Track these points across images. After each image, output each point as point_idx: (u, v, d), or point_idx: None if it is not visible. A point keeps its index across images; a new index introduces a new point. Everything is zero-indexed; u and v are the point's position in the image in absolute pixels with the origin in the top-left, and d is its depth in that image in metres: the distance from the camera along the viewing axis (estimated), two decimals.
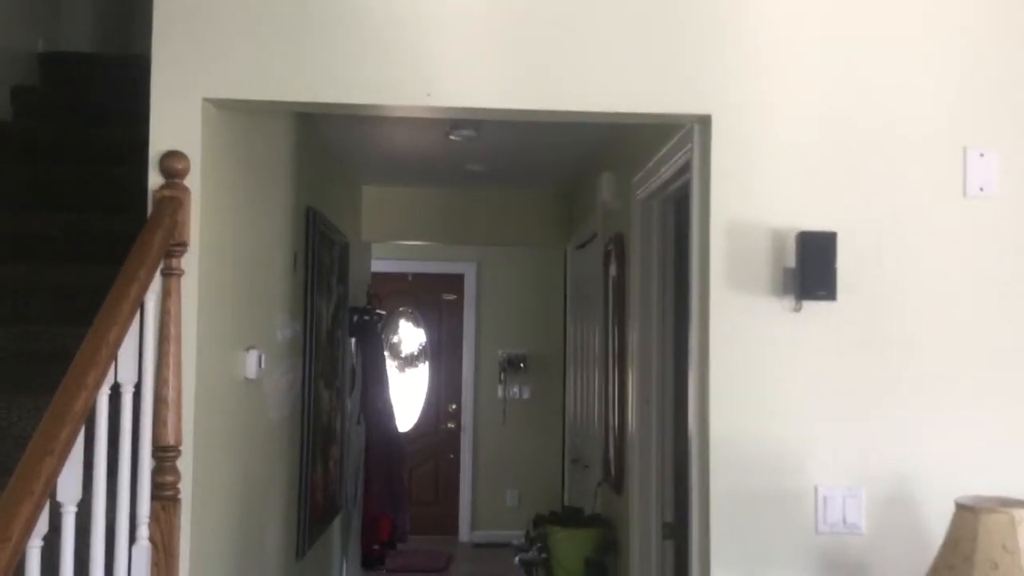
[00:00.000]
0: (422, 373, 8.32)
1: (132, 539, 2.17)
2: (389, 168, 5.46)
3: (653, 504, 3.44)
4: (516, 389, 8.07)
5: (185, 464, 2.33)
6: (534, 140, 4.55)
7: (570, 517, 4.22)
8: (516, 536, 5.26)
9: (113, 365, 2.01)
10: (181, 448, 2.31)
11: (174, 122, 2.37)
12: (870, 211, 2.40)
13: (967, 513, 1.95)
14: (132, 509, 2.15)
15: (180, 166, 2.33)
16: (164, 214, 2.28)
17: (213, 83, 2.39)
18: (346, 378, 5.25)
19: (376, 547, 5.67)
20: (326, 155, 4.68)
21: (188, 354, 2.34)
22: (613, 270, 4.06)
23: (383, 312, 6.23)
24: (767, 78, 2.42)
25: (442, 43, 2.41)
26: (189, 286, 2.35)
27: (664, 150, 2.98)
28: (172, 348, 2.29)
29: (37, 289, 3.13)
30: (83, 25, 4.74)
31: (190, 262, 2.35)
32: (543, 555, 4.09)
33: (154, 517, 2.25)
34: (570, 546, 3.97)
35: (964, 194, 2.41)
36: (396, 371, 8.23)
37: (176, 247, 2.31)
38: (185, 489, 2.32)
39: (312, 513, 4.09)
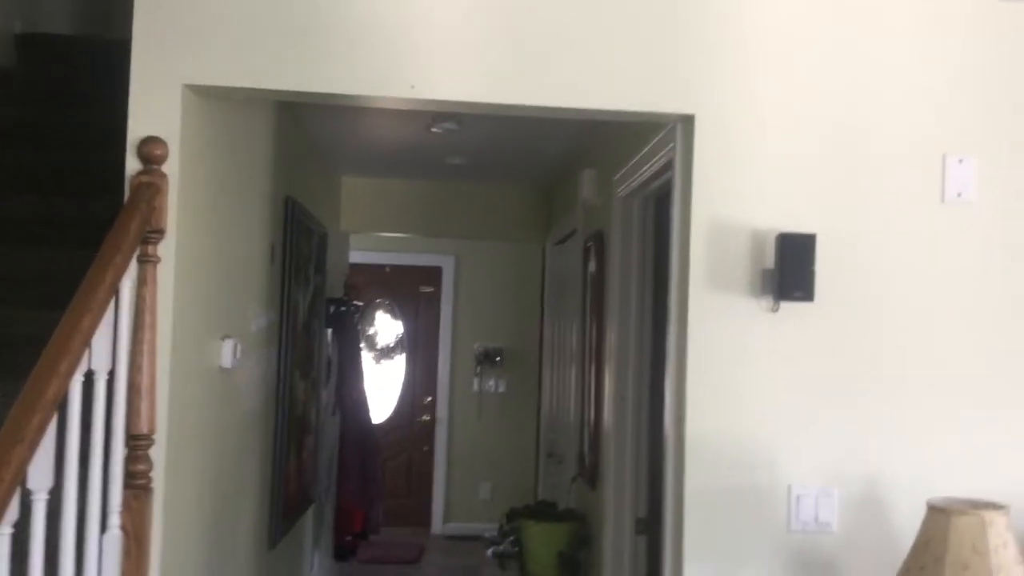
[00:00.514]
0: (398, 365, 8.30)
1: (103, 528, 2.16)
2: (369, 159, 5.44)
3: (627, 499, 3.45)
4: (492, 383, 8.07)
5: (158, 453, 2.31)
6: (515, 135, 4.54)
7: (544, 511, 4.23)
8: (489, 529, 5.26)
9: (87, 352, 1.98)
10: (154, 437, 2.29)
11: (153, 108, 2.34)
12: (850, 214, 2.42)
13: (938, 514, 1.97)
14: (104, 498, 2.13)
15: (158, 152, 2.31)
16: (141, 200, 2.26)
17: (193, 69, 2.37)
18: (322, 369, 5.22)
19: (349, 538, 5.66)
20: (307, 145, 4.65)
21: (163, 342, 2.32)
22: (592, 266, 4.06)
23: (360, 303, 6.20)
24: (751, 80, 2.43)
25: (427, 36, 2.40)
26: (165, 274, 2.33)
27: (646, 148, 2.99)
28: (147, 336, 2.26)
29: (11, 274, 3.08)
30: (62, 7, 4.68)
31: (166, 249, 2.33)
32: (516, 548, 4.10)
33: (126, 506, 2.22)
34: (543, 540, 3.97)
35: (942, 199, 2.44)
36: (372, 363, 8.21)
37: (152, 234, 2.29)
38: (157, 478, 2.30)
39: (285, 504, 4.07)
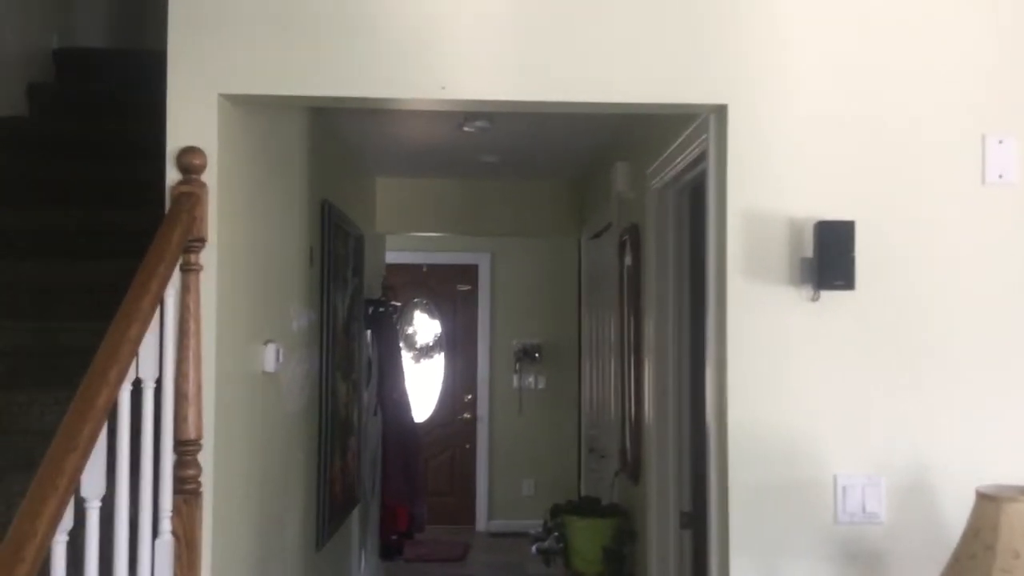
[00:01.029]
0: (437, 364, 8.34)
1: (155, 533, 2.20)
2: (403, 160, 5.46)
3: (671, 493, 3.44)
4: (531, 379, 8.08)
5: (206, 458, 2.35)
6: (548, 130, 4.54)
7: (587, 507, 4.23)
8: (533, 525, 5.27)
9: (134, 361, 2.02)
10: (202, 442, 2.33)
11: (190, 118, 2.38)
12: (889, 199, 2.39)
13: (988, 502, 1.94)
14: (155, 503, 2.17)
15: (197, 162, 2.34)
16: (182, 210, 2.29)
17: (229, 79, 2.40)
18: (362, 370, 5.26)
19: (395, 537, 5.70)
20: (340, 148, 4.69)
21: (207, 349, 2.35)
22: (628, 260, 4.05)
23: (398, 303, 6.24)
24: (783, 67, 2.41)
25: (456, 36, 2.41)
26: (207, 281, 2.36)
27: (679, 140, 2.97)
28: (191, 343, 2.30)
29: (56, 286, 3.15)
30: (97, 20, 4.76)
31: (208, 257, 2.36)
32: (561, 544, 4.10)
33: (176, 511, 2.26)
34: (588, 536, 3.98)
35: (983, 181, 2.40)
36: (412, 362, 8.25)
37: (194, 243, 2.32)
38: (206, 483, 2.34)
39: (331, 505, 4.11)
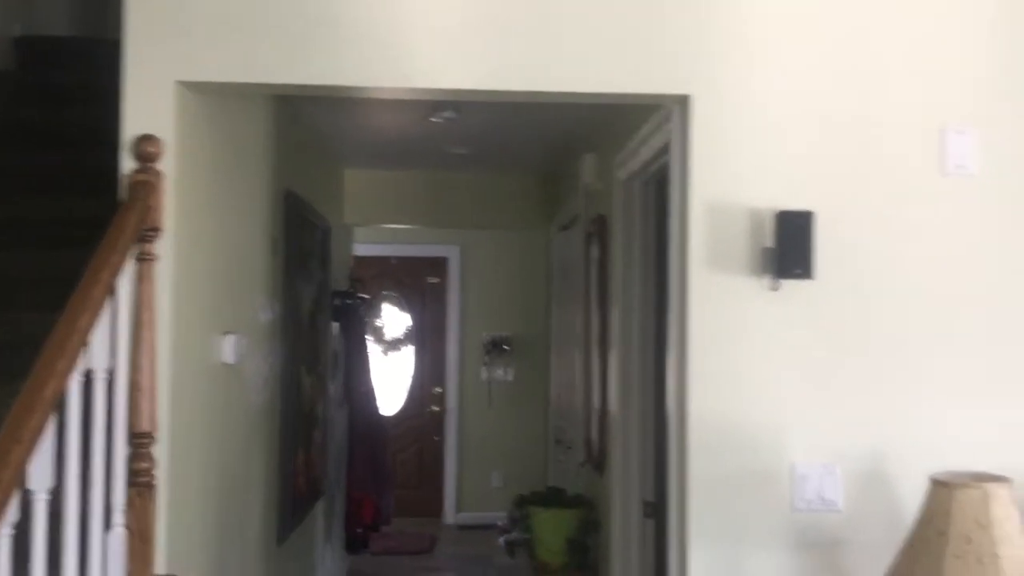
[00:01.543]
0: (406, 356, 8.31)
1: (107, 526, 2.16)
2: (371, 151, 5.43)
3: (634, 484, 3.45)
4: (501, 371, 8.07)
5: (161, 451, 2.31)
6: (516, 122, 4.53)
7: (552, 498, 4.23)
8: (501, 517, 5.26)
9: (84, 351, 1.98)
10: (156, 435, 2.29)
11: (147, 105, 2.34)
12: (849, 190, 2.40)
13: (941, 488, 1.96)
14: (107, 496, 2.14)
15: (153, 150, 2.30)
16: (137, 199, 2.26)
17: (186, 65, 2.36)
18: (328, 362, 5.23)
19: (360, 530, 5.67)
20: (306, 138, 4.64)
21: (163, 340, 2.32)
22: (595, 252, 4.05)
23: (366, 296, 6.21)
24: (746, 59, 2.41)
25: (418, 24, 2.39)
26: (163, 271, 2.33)
27: (644, 130, 2.97)
28: (146, 334, 2.26)
29: (20, 275, 3.09)
30: (60, 8, 4.68)
31: (164, 247, 2.33)
32: (526, 535, 4.10)
33: (129, 504, 2.23)
34: (552, 526, 3.98)
35: (943, 172, 2.41)
36: (380, 355, 8.22)
37: (149, 232, 2.28)
38: (161, 475, 2.31)
39: (294, 499, 4.08)
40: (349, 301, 5.62)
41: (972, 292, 2.40)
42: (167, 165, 2.33)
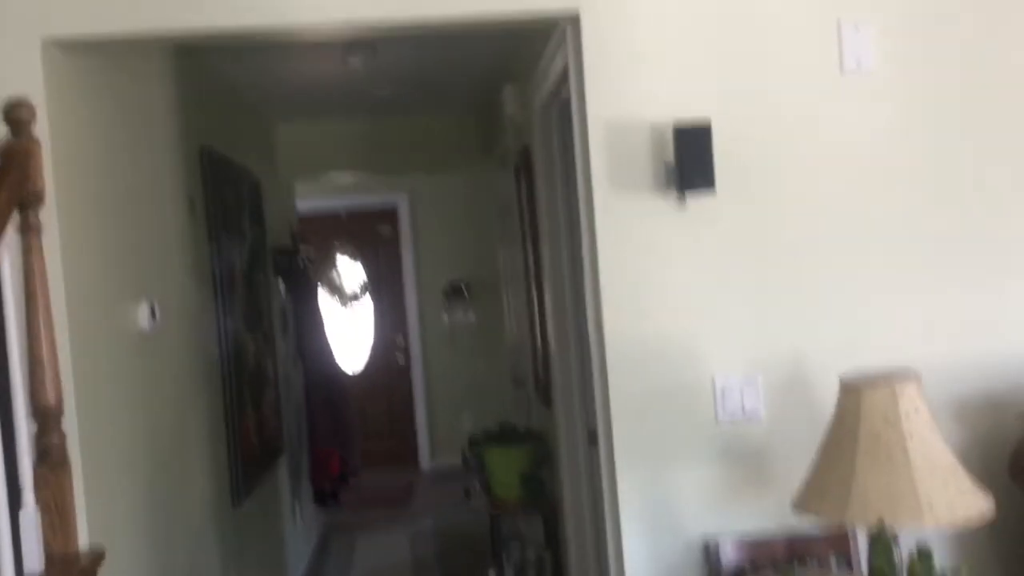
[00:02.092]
0: (366, 308, 8.25)
1: (19, 504, 2.12)
2: (297, 102, 5.30)
3: (577, 413, 3.44)
4: (461, 315, 8.04)
5: (70, 424, 2.25)
6: (435, 58, 4.42)
7: (504, 435, 4.22)
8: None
9: None
10: (64, 408, 2.23)
11: (14, 67, 2.24)
12: (748, 96, 2.35)
13: (850, 390, 1.94)
14: (12, 474, 2.08)
15: (24, 115, 2.19)
16: (10, 167, 2.16)
17: (51, 21, 2.25)
18: (275, 320, 5.17)
19: (327, 484, 5.67)
20: (224, 92, 4.51)
21: (58, 310, 2.25)
22: (523, 185, 3.99)
23: (309, 251, 6.12)
24: None
25: None
26: (50, 240, 2.24)
27: (547, 53, 2.89)
28: (40, 305, 2.19)
29: None
30: None
31: (48, 216, 2.24)
32: (483, 473, 4.10)
33: (43, 481, 2.17)
34: (505, 463, 3.98)
35: (841, 70, 2.36)
36: (339, 309, 8.16)
37: (30, 200, 2.19)
38: (73, 449, 2.25)
39: (246, 459, 4.05)
40: (292, 258, 5.54)
41: (877, 192, 2.37)
42: (41, 130, 2.23)
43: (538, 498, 3.96)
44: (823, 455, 1.99)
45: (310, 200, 7.12)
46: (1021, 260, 2.39)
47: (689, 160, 2.25)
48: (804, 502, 1.98)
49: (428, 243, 8.07)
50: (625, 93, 2.35)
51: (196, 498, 3.38)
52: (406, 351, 8.17)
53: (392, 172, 6.96)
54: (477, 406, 7.82)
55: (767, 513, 2.34)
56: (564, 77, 2.84)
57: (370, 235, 8.17)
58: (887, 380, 1.92)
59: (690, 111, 2.32)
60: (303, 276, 5.80)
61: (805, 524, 2.20)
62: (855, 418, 1.91)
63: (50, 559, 2.15)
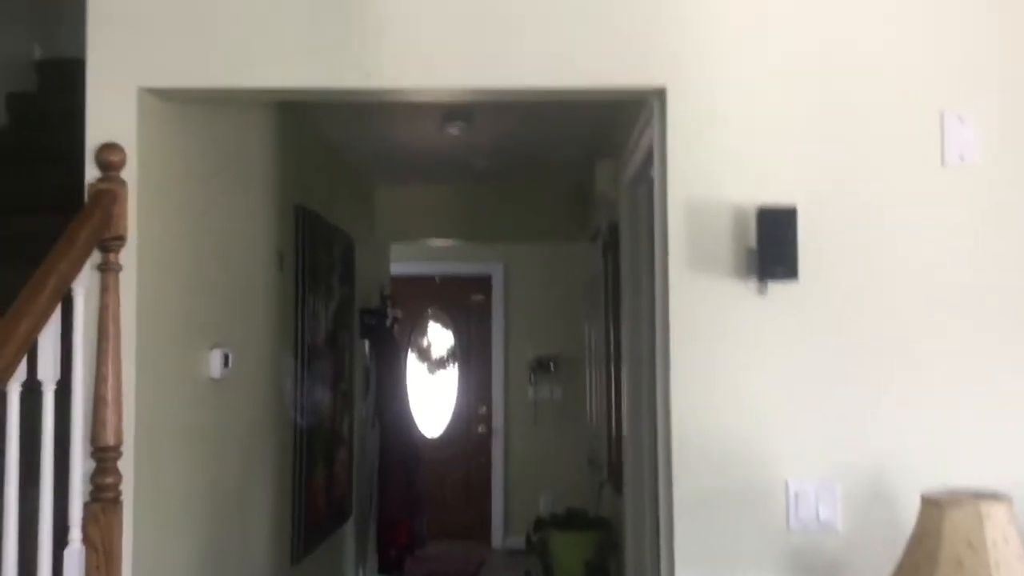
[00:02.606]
0: (451, 376, 8.23)
1: (65, 542, 2.11)
2: (397, 166, 5.40)
3: (647, 502, 3.29)
4: (547, 390, 7.92)
5: (126, 465, 2.26)
6: (531, 130, 4.43)
7: (570, 520, 4.08)
8: None
9: (24, 361, 1.93)
10: (123, 449, 2.24)
11: (109, 113, 2.31)
12: (838, 182, 2.24)
13: (932, 507, 1.78)
14: (62, 511, 2.09)
15: (114, 158, 2.27)
16: (95, 207, 2.22)
17: (150, 72, 2.33)
18: (356, 380, 5.17)
19: (393, 552, 5.58)
20: (324, 152, 4.62)
21: (128, 352, 2.27)
22: (610, 262, 3.92)
23: (397, 314, 6.15)
24: (725, 43, 2.27)
25: (384, 21, 2.31)
26: (129, 282, 2.28)
27: (637, 129, 2.84)
28: (110, 345, 2.22)
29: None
30: (80, 31, 4.75)
31: (127, 257, 2.28)
32: (545, 559, 3.96)
33: (93, 519, 2.18)
34: (570, 549, 3.83)
35: (943, 163, 2.23)
36: (426, 374, 8.16)
37: (112, 241, 2.24)
38: (127, 490, 2.25)
39: (310, 518, 4.01)
40: (379, 319, 5.57)
41: (973, 293, 2.20)
42: (129, 173, 2.28)
43: None
44: (899, 575, 1.82)
45: (405, 264, 7.19)
46: None
47: (772, 245, 2.15)
48: None
49: (519, 314, 8.04)
50: (709, 172, 2.27)
51: (255, 549, 3.34)
52: (488, 422, 8.08)
53: (487, 240, 6.99)
54: (555, 485, 7.63)
55: None
56: (651, 154, 2.79)
57: (462, 302, 8.19)
58: (973, 500, 1.75)
59: (775, 195, 2.22)
60: (390, 338, 5.81)
61: None
62: (936, 539, 1.75)
63: None
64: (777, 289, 2.21)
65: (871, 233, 2.22)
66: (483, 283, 8.12)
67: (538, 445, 7.88)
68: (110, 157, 2.26)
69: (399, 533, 5.62)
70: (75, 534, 2.14)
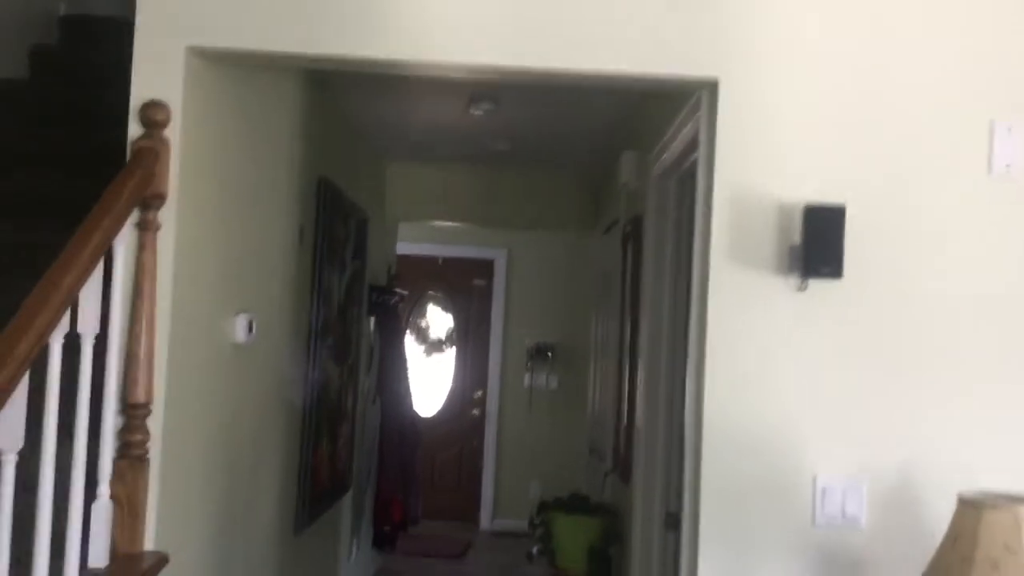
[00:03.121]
0: (449, 358, 8.24)
1: (94, 495, 2.11)
2: (413, 144, 5.38)
3: (657, 493, 3.30)
4: (543, 378, 7.94)
5: (155, 424, 2.26)
6: (557, 116, 4.42)
7: (575, 504, 4.09)
8: None
9: (68, 312, 1.92)
10: (152, 407, 2.24)
11: (156, 71, 2.30)
12: (885, 185, 2.24)
13: (969, 508, 1.79)
14: (93, 465, 2.08)
15: (159, 116, 2.25)
16: (139, 164, 2.21)
17: (197, 31, 2.31)
18: (361, 356, 5.17)
19: (387, 528, 5.60)
20: (344, 127, 4.60)
21: (163, 311, 2.26)
22: (630, 254, 3.92)
23: (404, 292, 6.14)
24: (779, 41, 2.27)
25: None
26: (166, 241, 2.27)
27: (676, 121, 2.84)
28: (145, 303, 2.21)
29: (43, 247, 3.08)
30: None
31: (167, 216, 2.27)
32: (548, 542, 3.97)
33: (120, 476, 2.18)
34: (573, 533, 3.85)
35: (989, 171, 2.24)
36: (423, 355, 8.16)
37: (152, 199, 2.23)
38: (154, 449, 2.25)
39: (314, 489, 4.01)
40: (386, 297, 5.57)
41: (1013, 301, 2.22)
42: (173, 132, 2.27)
43: (604, 574, 3.81)
44: (932, 575, 1.84)
45: (409, 243, 7.18)
46: None
47: (817, 244, 2.15)
48: None
49: (520, 301, 8.05)
50: (756, 168, 2.27)
51: (263, 517, 3.35)
52: (483, 406, 8.10)
53: (494, 225, 6.98)
54: (546, 473, 7.66)
55: None
56: (690, 147, 2.79)
57: (464, 285, 8.19)
58: (1012, 503, 1.77)
59: (821, 194, 2.22)
60: (394, 316, 5.81)
61: None
62: (972, 541, 1.76)
63: (115, 556, 2.13)
64: (817, 287, 2.22)
65: (915, 238, 2.23)
66: (486, 268, 8.12)
67: (531, 432, 7.90)
68: (154, 115, 2.25)
69: (393, 510, 5.63)
70: (103, 489, 2.13)
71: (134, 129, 2.28)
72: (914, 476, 2.20)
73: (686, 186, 3.31)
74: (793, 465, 2.23)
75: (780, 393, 2.24)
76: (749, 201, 2.26)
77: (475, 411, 8.12)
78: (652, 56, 2.29)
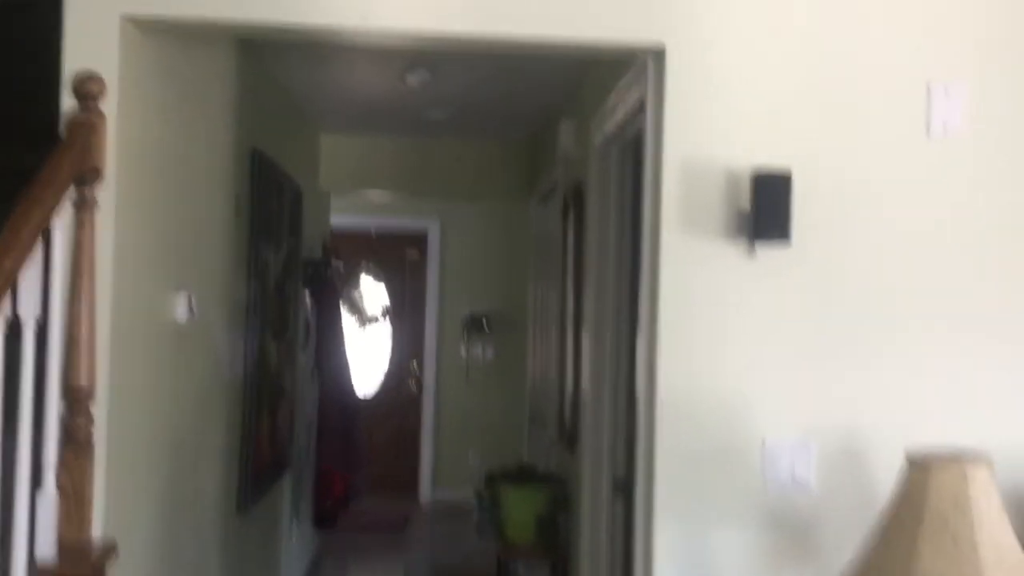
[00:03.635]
0: (384, 331, 8.18)
1: (37, 485, 2.04)
2: (346, 114, 5.29)
3: (604, 459, 3.34)
4: (479, 349, 7.95)
5: (99, 408, 2.18)
6: (493, 85, 4.39)
7: (522, 475, 4.12)
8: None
9: (11, 297, 1.84)
10: (95, 391, 2.16)
11: (90, 41, 2.20)
12: (830, 150, 2.28)
13: (918, 468, 1.85)
14: (36, 454, 2.01)
15: (94, 88, 2.15)
16: (75, 139, 2.11)
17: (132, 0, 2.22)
18: (298, 331, 5.10)
19: (329, 503, 5.56)
20: (278, 97, 4.50)
21: (103, 291, 2.19)
22: (571, 223, 3.93)
23: (339, 264, 6.06)
24: (725, 9, 2.29)
25: None
26: (104, 218, 2.19)
27: (619, 86, 2.84)
28: (84, 283, 2.12)
29: None
30: None
31: (105, 193, 2.19)
32: (496, 512, 3.99)
33: (64, 464, 2.10)
34: (521, 504, 3.87)
35: (928, 133, 2.29)
36: (357, 328, 8.08)
37: (89, 174, 2.14)
38: (99, 435, 2.18)
39: (256, 469, 3.96)
40: (322, 270, 5.49)
41: (958, 260, 2.29)
42: (108, 105, 2.18)
43: (552, 543, 3.85)
44: (880, 534, 1.89)
45: (342, 216, 7.08)
46: None
47: (765, 209, 2.18)
48: None
49: (454, 272, 8.02)
50: (704, 135, 2.29)
51: (208, 499, 3.29)
52: (419, 379, 8.07)
53: (426, 196, 6.93)
54: (486, 444, 7.70)
55: None
56: (633, 115, 2.79)
57: (397, 258, 8.12)
58: (958, 461, 1.83)
59: (768, 159, 2.25)
60: (330, 291, 5.74)
61: None
62: (921, 498, 1.82)
63: (62, 547, 2.07)
64: (766, 252, 2.25)
65: (859, 200, 2.28)
66: (419, 239, 8.06)
67: (469, 403, 7.92)
68: (89, 87, 2.15)
69: (334, 486, 5.59)
70: (49, 477, 2.06)
71: (67, 102, 2.18)
72: (862, 436, 2.26)
73: (628, 153, 3.33)
74: (744, 429, 2.28)
75: (731, 358, 2.28)
76: (698, 168, 2.28)
77: (412, 383, 8.09)
78: (597, 22, 2.28)
